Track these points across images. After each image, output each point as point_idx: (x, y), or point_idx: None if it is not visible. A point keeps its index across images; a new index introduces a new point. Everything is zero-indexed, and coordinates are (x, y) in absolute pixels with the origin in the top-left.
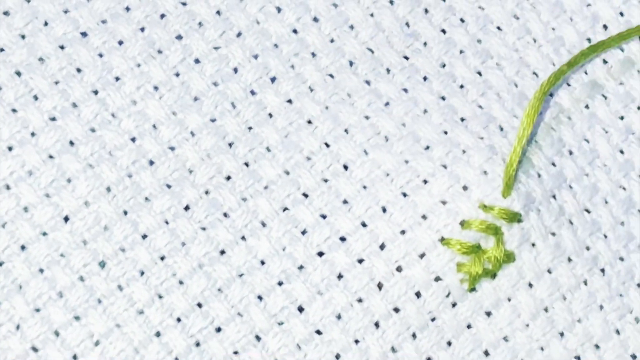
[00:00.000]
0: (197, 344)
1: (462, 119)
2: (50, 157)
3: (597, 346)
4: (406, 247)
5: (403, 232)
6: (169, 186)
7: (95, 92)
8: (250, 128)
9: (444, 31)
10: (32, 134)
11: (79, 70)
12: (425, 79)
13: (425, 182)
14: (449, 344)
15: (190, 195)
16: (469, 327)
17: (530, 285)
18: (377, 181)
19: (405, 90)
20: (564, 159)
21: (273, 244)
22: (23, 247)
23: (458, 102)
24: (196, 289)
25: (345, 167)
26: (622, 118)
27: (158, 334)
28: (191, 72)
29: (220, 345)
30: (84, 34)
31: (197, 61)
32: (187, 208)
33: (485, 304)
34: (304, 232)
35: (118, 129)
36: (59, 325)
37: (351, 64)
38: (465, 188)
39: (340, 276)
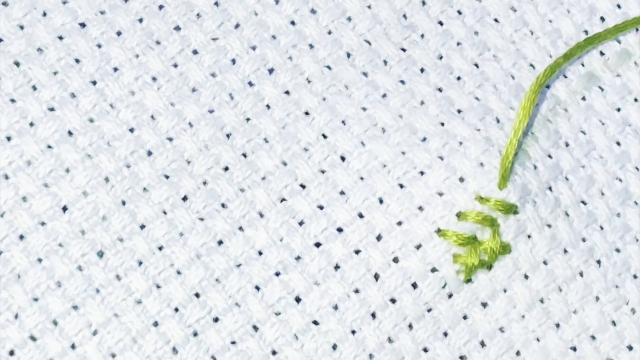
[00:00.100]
0: (195, 334)
1: (459, 111)
2: (49, 147)
3: (593, 337)
4: (403, 238)
5: (399, 223)
6: (167, 177)
7: (94, 83)
8: (248, 119)
9: (441, 23)
10: (31, 124)
11: (77, 60)
12: (422, 70)
13: (421, 173)
14: (445, 334)
15: (188, 185)
16: (465, 318)
17: (526, 276)
18: (374, 172)
19: (403, 82)
20: (560, 150)
21: (270, 234)
22: (21, 237)
23: (455, 93)
24: (194, 279)
25: (343, 159)
26: (618, 110)
27: (156, 324)
28: (189, 63)
29: (218, 335)
30: (82, 25)
31: (195, 52)
32: (185, 198)
33: (481, 295)
34: (301, 223)
35: (116, 119)
36: (57, 314)
37: (349, 55)
38: (461, 180)
39: (337, 267)
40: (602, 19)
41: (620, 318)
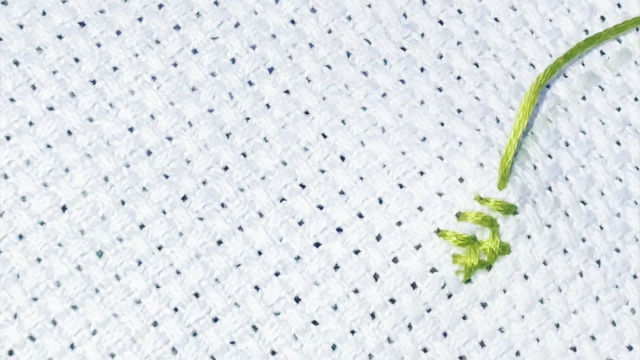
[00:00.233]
0: (194, 334)
1: (459, 111)
2: (48, 146)
3: (593, 337)
4: (402, 239)
5: (399, 223)
6: (166, 176)
7: (93, 82)
8: (247, 118)
9: (441, 22)
10: (30, 124)
11: (76, 60)
12: (422, 70)
13: (421, 173)
14: (445, 334)
15: (187, 185)
16: (464, 318)
17: (526, 276)
18: (374, 172)
19: (403, 81)
20: (560, 150)
21: (270, 234)
22: (21, 237)
23: (455, 93)
24: (193, 279)
25: (342, 158)
26: (618, 109)
27: (155, 324)
28: (189, 62)
29: (217, 335)
30: (82, 24)
31: (194, 51)
32: (184, 198)
33: (481, 295)
34: (300, 223)
35: (116, 118)
36: (56, 314)
37: (348, 54)
38: (461, 180)
39: (336, 267)
40: (603, 18)
41: (620, 318)
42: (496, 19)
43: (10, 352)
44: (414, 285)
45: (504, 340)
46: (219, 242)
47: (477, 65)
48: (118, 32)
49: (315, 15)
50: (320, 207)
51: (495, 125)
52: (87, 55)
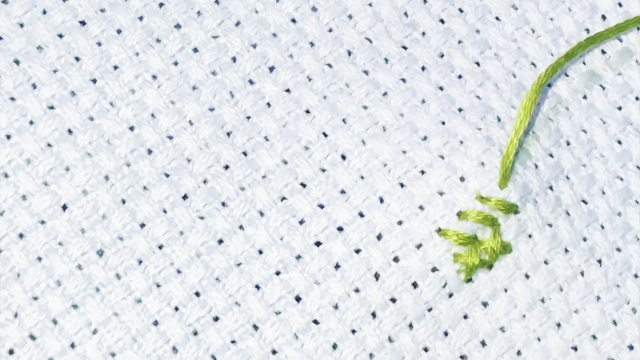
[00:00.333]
0: (195, 333)
1: (460, 110)
2: (49, 145)
3: (594, 337)
4: (403, 238)
5: (400, 222)
6: (167, 175)
7: (94, 81)
8: (248, 117)
9: (442, 21)
10: (31, 123)
11: (77, 58)
12: (423, 69)
13: (422, 172)
14: (446, 334)
15: (188, 184)
16: (465, 317)
17: (527, 276)
18: (375, 171)
19: (404, 80)
20: (561, 149)
21: (271, 233)
22: (21, 236)
23: (456, 92)
24: (194, 278)
25: (343, 157)
26: (620, 108)
27: (156, 323)
28: (190, 61)
29: (218, 335)
30: (82, 23)
31: (195, 50)
32: (185, 197)
33: (482, 294)
34: (301, 222)
35: (116, 117)
36: (56, 313)
37: (349, 53)
38: (462, 179)
39: (337, 266)
40: (604, 17)
41: (621, 317)
42: (497, 18)
43: (11, 351)
44: (414, 285)
45: (505, 340)
46: (220, 241)
47: (478, 64)
48: (119, 31)
49: (316, 14)
50: (321, 206)
51: (497, 125)
52: (88, 54)
